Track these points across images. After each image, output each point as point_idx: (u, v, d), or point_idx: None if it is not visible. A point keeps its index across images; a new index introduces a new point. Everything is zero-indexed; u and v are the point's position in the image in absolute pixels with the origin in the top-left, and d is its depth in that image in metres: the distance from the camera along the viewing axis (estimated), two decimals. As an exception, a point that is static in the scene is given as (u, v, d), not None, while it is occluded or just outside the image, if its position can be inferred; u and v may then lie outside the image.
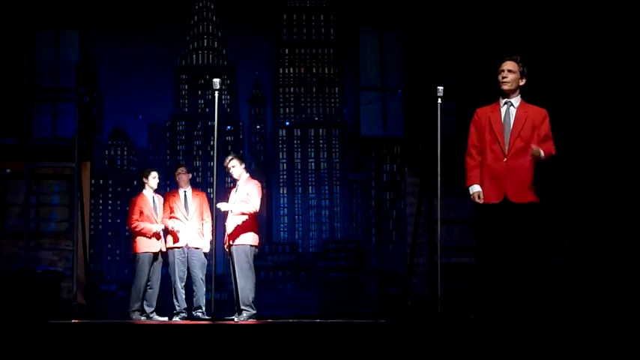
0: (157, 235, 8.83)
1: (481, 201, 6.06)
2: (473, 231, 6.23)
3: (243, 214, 8.02)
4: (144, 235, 8.78)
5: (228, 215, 8.13)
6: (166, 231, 8.87)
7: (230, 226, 8.11)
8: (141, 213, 8.82)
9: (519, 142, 6.00)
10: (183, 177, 8.94)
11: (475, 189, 6.11)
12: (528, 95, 6.20)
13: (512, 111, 6.09)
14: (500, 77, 6.09)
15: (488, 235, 6.05)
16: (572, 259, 9.65)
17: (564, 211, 9.88)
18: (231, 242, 8.06)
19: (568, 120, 9.60)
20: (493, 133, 6.07)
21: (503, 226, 5.99)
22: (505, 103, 6.12)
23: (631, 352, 4.80)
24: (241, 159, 8.28)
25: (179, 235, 8.74)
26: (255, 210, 8.04)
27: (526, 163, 5.99)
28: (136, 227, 8.79)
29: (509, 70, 6.08)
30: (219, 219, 7.90)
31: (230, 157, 8.22)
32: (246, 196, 8.07)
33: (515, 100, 6.12)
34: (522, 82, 6.12)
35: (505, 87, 6.09)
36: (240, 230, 8.02)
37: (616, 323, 6.01)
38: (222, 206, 7.98)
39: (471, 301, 6.20)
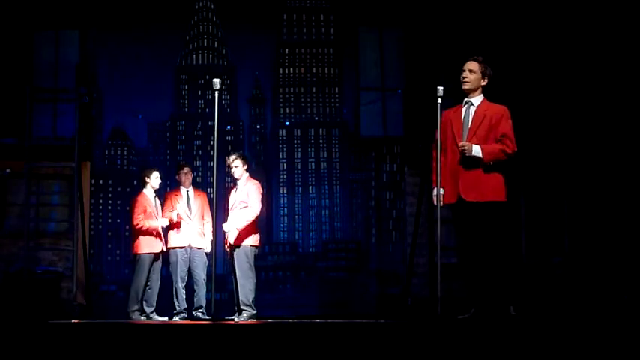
0: (160, 235, 8.81)
1: (440, 204, 6.09)
2: None
3: (248, 224, 8.00)
4: (150, 233, 8.75)
5: (229, 215, 8.13)
6: (167, 230, 8.87)
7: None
8: (145, 211, 8.80)
9: (474, 141, 6.03)
10: (188, 177, 8.95)
11: (433, 192, 6.18)
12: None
13: (472, 110, 6.15)
14: (460, 77, 6.16)
15: (459, 236, 6.12)
16: (572, 259, 9.65)
17: (564, 211, 9.88)
18: (231, 242, 8.06)
19: (568, 120, 9.61)
20: (453, 133, 6.13)
21: (467, 226, 6.04)
22: (466, 102, 6.19)
23: (631, 352, 4.80)
24: (245, 160, 8.24)
25: (182, 233, 8.75)
26: (256, 214, 8.04)
27: (479, 162, 6.01)
28: (142, 227, 8.74)
29: (471, 70, 6.15)
30: (219, 219, 7.89)
31: (234, 157, 8.18)
32: (245, 197, 8.06)
33: (476, 100, 6.17)
34: (484, 82, 6.18)
35: (465, 87, 6.17)
36: (240, 230, 8.02)
37: (616, 323, 6.01)
38: (226, 227, 7.99)
39: (467, 300, 6.21)
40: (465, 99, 6.19)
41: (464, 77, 6.15)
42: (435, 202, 6.15)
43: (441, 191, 6.14)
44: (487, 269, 5.99)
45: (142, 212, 8.76)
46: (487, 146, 5.98)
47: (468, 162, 6.01)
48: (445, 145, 6.15)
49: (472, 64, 6.16)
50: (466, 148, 5.95)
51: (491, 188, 6.01)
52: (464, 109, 6.18)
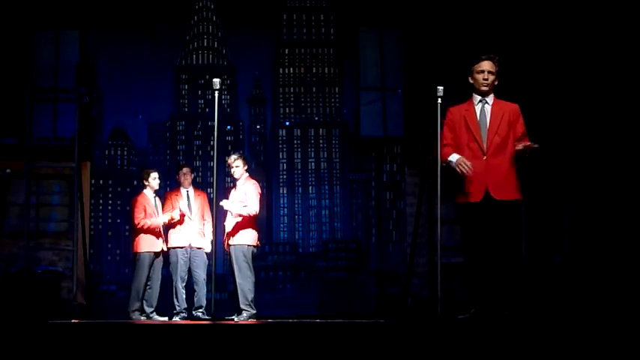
0: (160, 235, 8.81)
1: (468, 164, 5.95)
2: (460, 230, 6.23)
3: (241, 216, 8.04)
4: (151, 231, 8.76)
5: (227, 215, 8.15)
6: (167, 230, 8.88)
7: (229, 225, 8.13)
8: (145, 211, 8.81)
9: (497, 139, 6.03)
10: (188, 177, 8.96)
11: (455, 157, 6.00)
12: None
13: (488, 108, 6.14)
14: (481, 78, 6.12)
15: (475, 235, 6.04)
16: (572, 259, 9.65)
17: (564, 211, 9.87)
18: (229, 242, 8.07)
19: (568, 120, 9.61)
20: (470, 131, 6.09)
21: (489, 225, 5.98)
22: (480, 101, 6.16)
23: (631, 352, 4.80)
24: (245, 161, 8.30)
25: (182, 233, 8.76)
26: (254, 213, 8.06)
27: (506, 160, 6.03)
28: (143, 225, 8.77)
29: (490, 72, 6.13)
30: (219, 219, 7.91)
31: (236, 157, 8.23)
32: (244, 196, 8.10)
33: (490, 98, 6.17)
34: (496, 82, 6.19)
35: (486, 88, 6.13)
36: (238, 230, 8.04)
37: (616, 323, 6.01)
38: (224, 204, 8.03)
39: (467, 300, 6.20)
40: (479, 98, 6.16)
41: (485, 79, 6.11)
42: (464, 165, 5.93)
43: (459, 156, 6.01)
44: (499, 268, 5.97)
45: (142, 211, 8.79)
46: (525, 143, 5.99)
47: (495, 161, 6.00)
48: (458, 143, 6.11)
49: (490, 65, 6.13)
50: (523, 150, 5.93)
51: (514, 186, 6.05)
52: (478, 108, 6.14)
